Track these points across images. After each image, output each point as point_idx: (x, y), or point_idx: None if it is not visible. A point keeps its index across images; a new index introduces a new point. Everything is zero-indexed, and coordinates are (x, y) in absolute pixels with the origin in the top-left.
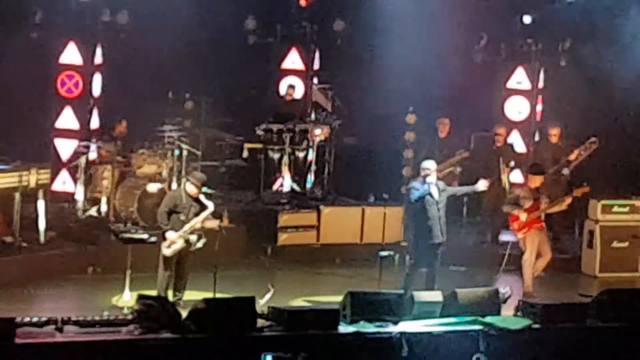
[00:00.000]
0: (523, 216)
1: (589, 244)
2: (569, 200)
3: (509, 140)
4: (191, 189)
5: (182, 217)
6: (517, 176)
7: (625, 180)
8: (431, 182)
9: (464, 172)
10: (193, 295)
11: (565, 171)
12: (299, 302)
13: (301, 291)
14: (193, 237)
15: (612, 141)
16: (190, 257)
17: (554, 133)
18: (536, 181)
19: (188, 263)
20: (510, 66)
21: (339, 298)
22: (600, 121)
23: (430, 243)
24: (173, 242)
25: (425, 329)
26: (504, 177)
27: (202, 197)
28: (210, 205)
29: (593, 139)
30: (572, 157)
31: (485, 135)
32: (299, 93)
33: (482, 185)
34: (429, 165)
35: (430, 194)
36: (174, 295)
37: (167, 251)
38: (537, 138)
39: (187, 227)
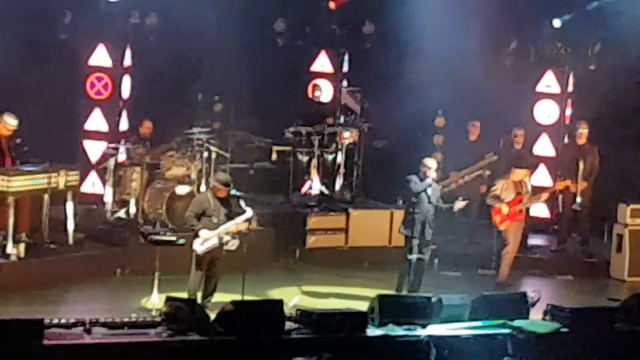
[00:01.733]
0: (505, 209)
1: (617, 248)
2: (547, 194)
3: (536, 144)
4: (216, 190)
5: (215, 220)
6: (543, 179)
7: None
8: (429, 180)
9: (493, 175)
10: (221, 298)
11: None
12: (328, 305)
13: (329, 294)
14: (227, 237)
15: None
16: (221, 259)
17: (582, 131)
18: (519, 175)
19: (219, 265)
20: (540, 70)
21: (367, 301)
22: (629, 125)
23: (416, 238)
24: (207, 239)
25: (454, 333)
26: (525, 180)
27: (242, 203)
28: (249, 211)
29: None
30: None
31: (511, 139)
32: (325, 96)
33: (458, 205)
34: (431, 164)
35: (426, 191)
36: (204, 298)
37: (200, 248)
38: (566, 141)
39: (222, 228)
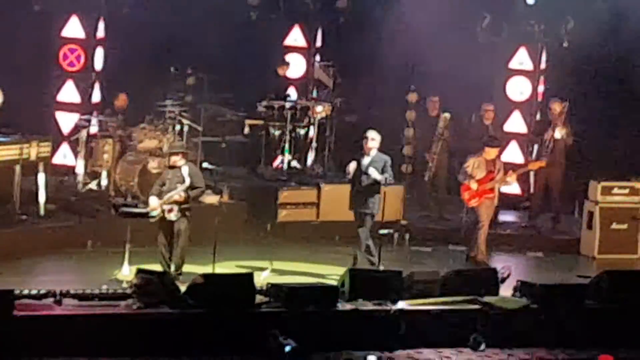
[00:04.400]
0: (474, 185)
1: (588, 225)
2: (517, 173)
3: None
4: (171, 158)
5: (165, 188)
6: (515, 156)
7: (625, 162)
8: (365, 152)
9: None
10: (192, 270)
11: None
12: (298, 279)
13: (300, 268)
14: (167, 207)
15: (613, 123)
16: (179, 230)
17: (555, 108)
18: (491, 153)
19: (178, 236)
20: (513, 46)
21: (337, 276)
22: (602, 102)
23: (356, 209)
24: (153, 209)
25: (424, 308)
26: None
27: (184, 171)
28: (187, 180)
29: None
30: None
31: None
32: (294, 72)
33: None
34: (371, 134)
35: (359, 162)
36: (175, 269)
37: (152, 214)
38: (538, 118)
39: (165, 197)
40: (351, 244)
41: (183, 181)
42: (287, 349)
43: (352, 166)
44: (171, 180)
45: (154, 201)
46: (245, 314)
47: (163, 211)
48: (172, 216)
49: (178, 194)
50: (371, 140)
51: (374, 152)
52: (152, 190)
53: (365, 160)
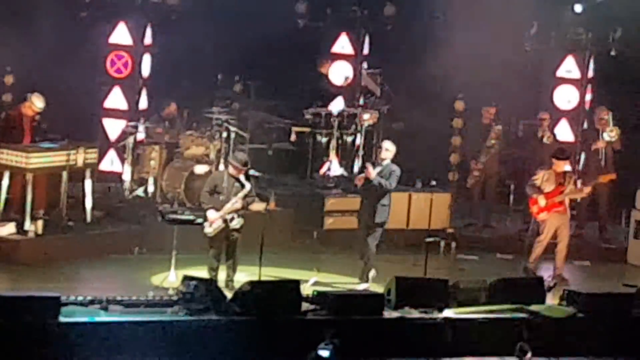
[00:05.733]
0: (542, 201)
1: (635, 234)
2: (590, 187)
3: (556, 129)
4: (232, 169)
5: (222, 198)
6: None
7: None
8: (377, 161)
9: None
10: (239, 278)
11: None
12: (345, 287)
13: (347, 275)
14: (230, 216)
15: None
16: (236, 238)
17: (602, 117)
18: (561, 166)
19: (235, 244)
20: (560, 55)
21: (384, 283)
22: None
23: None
24: (212, 221)
25: (470, 316)
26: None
27: (241, 177)
28: (247, 185)
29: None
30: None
31: (534, 123)
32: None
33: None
34: (387, 145)
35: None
36: (227, 276)
37: (208, 230)
38: (585, 127)
39: (226, 207)
40: (397, 252)
41: (242, 188)
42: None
43: (371, 170)
44: (228, 189)
45: (212, 214)
46: (292, 321)
47: (225, 221)
48: (236, 224)
49: (239, 200)
50: (385, 150)
51: (386, 162)
52: (204, 200)
53: (376, 170)
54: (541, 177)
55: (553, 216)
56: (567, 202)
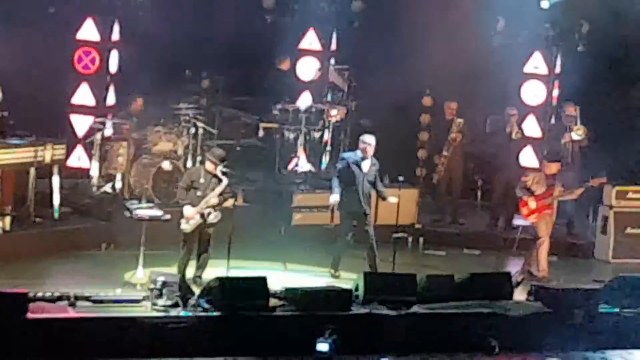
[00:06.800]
0: (532, 204)
1: (602, 229)
2: (581, 190)
3: (523, 124)
4: (209, 165)
5: (199, 193)
6: (530, 160)
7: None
8: (366, 156)
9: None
10: (206, 274)
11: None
12: (312, 283)
13: (314, 271)
14: (207, 211)
15: (627, 126)
16: (209, 235)
17: (570, 113)
18: (552, 168)
19: (208, 240)
20: (528, 51)
21: (351, 279)
22: (615, 106)
23: (349, 211)
24: (190, 217)
25: (438, 312)
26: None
27: (218, 172)
28: (225, 180)
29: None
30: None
31: (502, 119)
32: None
33: (392, 199)
34: (368, 139)
35: (357, 164)
36: (195, 272)
37: (185, 227)
38: (552, 122)
39: (203, 202)
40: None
41: (219, 183)
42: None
43: (333, 199)
44: (205, 185)
45: (189, 210)
46: (260, 317)
47: (202, 215)
48: (213, 218)
49: (215, 196)
50: (370, 145)
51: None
52: (181, 196)
53: (365, 164)
54: (531, 179)
55: (544, 218)
56: (555, 204)
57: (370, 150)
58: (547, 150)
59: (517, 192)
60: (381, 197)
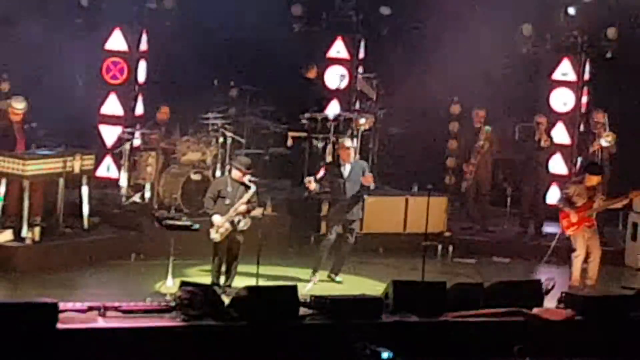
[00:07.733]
0: (574, 217)
1: (632, 236)
2: (623, 201)
3: (552, 132)
4: (235, 173)
5: (227, 202)
6: (559, 167)
7: None
8: (345, 161)
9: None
10: (236, 283)
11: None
12: (342, 291)
13: (344, 280)
14: (237, 218)
15: None
16: (238, 243)
17: (599, 120)
18: (592, 180)
19: (238, 248)
20: (556, 58)
21: (382, 287)
22: None
23: (333, 218)
24: (219, 226)
25: (468, 319)
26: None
27: (245, 180)
28: (253, 187)
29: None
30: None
31: (531, 127)
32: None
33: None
34: (347, 143)
35: (339, 172)
36: (225, 282)
37: (215, 236)
38: (581, 129)
39: (232, 210)
40: (394, 256)
41: (246, 191)
42: (385, 356)
43: (313, 186)
44: (233, 193)
45: (218, 219)
46: (289, 326)
47: (232, 223)
48: (243, 225)
49: (243, 203)
50: (349, 148)
51: (352, 159)
52: (208, 206)
53: (346, 169)
54: (573, 191)
55: (583, 230)
56: (594, 215)
57: (350, 153)
58: (587, 162)
59: (558, 202)
60: None
